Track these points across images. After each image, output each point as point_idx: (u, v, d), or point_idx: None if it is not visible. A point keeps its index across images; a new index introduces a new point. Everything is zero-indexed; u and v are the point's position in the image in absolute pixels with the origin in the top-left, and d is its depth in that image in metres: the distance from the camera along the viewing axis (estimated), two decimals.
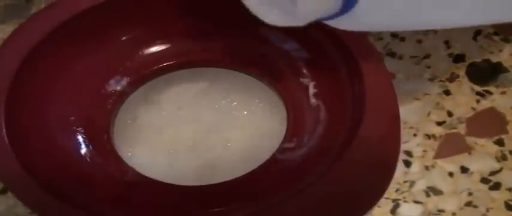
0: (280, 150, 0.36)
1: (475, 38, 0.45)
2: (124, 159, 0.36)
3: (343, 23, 0.31)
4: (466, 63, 0.44)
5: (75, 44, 0.37)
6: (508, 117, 0.41)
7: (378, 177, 0.31)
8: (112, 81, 0.38)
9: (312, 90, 0.37)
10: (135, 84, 0.39)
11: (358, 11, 0.29)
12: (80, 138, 0.36)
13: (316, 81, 0.37)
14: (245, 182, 0.34)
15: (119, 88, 0.38)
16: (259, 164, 0.35)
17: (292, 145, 0.36)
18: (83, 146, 0.36)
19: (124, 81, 0.38)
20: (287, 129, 0.36)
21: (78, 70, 0.37)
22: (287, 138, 0.36)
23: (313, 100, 0.37)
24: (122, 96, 0.38)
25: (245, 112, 0.39)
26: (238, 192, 0.34)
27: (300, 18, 0.29)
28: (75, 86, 0.37)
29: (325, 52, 0.36)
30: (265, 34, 0.39)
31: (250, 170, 0.35)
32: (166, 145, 0.37)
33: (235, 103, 0.39)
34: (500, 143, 0.40)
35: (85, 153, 0.35)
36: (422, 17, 0.30)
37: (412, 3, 0.29)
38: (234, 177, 0.34)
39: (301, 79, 0.38)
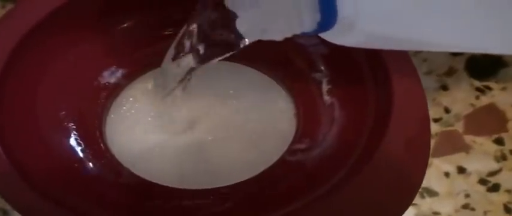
0: (291, 151, 0.34)
1: None
2: (118, 158, 0.34)
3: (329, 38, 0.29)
4: (465, 57, 0.43)
5: (67, 32, 0.34)
6: (509, 115, 0.40)
7: (404, 186, 0.29)
8: (106, 73, 0.36)
9: (325, 86, 0.35)
10: (131, 76, 0.37)
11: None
12: (70, 135, 0.34)
13: (331, 77, 0.36)
14: (250, 186, 0.32)
15: (113, 80, 0.36)
16: (266, 166, 0.33)
17: (303, 146, 0.34)
18: (74, 143, 0.33)
19: (119, 73, 0.36)
20: (297, 128, 0.35)
21: (70, 60, 0.35)
22: (298, 138, 0.34)
23: (326, 97, 0.35)
24: (116, 90, 0.36)
25: (251, 108, 0.37)
26: (243, 197, 0.32)
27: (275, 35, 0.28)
28: (66, 78, 0.35)
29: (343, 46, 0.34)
30: None
31: (256, 173, 0.33)
32: (165, 144, 0.35)
33: (239, 98, 0.37)
34: (499, 142, 0.39)
35: (76, 152, 0.33)
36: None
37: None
38: (238, 180, 0.33)
39: (313, 74, 0.36)
